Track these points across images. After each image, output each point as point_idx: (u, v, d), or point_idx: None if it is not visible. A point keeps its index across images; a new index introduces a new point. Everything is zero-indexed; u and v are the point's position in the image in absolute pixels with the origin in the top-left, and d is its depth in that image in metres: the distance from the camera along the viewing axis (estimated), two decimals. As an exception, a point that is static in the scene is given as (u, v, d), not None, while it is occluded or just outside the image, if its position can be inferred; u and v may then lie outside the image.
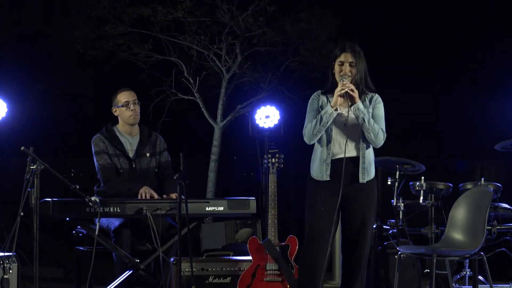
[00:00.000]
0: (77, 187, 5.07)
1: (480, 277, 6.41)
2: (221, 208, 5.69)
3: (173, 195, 5.61)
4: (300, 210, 5.06)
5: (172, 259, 5.51)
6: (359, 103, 4.85)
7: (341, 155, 4.88)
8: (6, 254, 4.92)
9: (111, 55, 9.91)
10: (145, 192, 5.61)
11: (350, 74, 4.89)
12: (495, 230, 6.53)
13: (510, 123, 8.66)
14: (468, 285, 6.69)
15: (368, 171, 4.95)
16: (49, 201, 5.32)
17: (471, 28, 10.69)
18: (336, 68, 4.94)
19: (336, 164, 4.89)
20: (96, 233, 5.23)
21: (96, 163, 5.79)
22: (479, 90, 10.67)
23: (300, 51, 9.92)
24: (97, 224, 5.30)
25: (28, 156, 4.90)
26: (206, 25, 9.78)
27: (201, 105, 9.96)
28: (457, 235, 5.51)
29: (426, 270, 6.45)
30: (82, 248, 5.79)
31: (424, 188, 6.51)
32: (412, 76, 10.98)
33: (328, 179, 4.89)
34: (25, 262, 5.13)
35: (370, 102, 4.97)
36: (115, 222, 5.60)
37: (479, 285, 6.19)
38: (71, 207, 5.39)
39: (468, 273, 6.72)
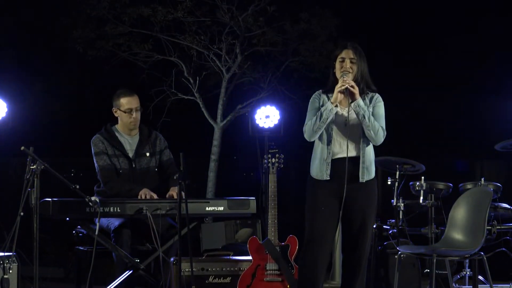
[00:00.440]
0: (77, 187, 5.07)
1: (480, 277, 6.41)
2: (221, 208, 5.69)
3: (174, 193, 5.61)
4: (300, 210, 5.06)
5: (172, 259, 5.51)
6: (359, 100, 4.85)
7: (341, 155, 4.88)
8: (6, 254, 4.92)
9: (111, 55, 9.91)
10: (145, 193, 5.61)
11: (351, 70, 4.89)
12: (495, 230, 6.53)
13: (510, 123, 8.66)
14: (468, 285, 6.69)
15: (369, 171, 4.94)
16: (49, 201, 5.32)
17: (471, 28, 10.69)
18: (337, 65, 4.93)
19: (336, 164, 4.89)
20: (96, 233, 5.23)
21: (95, 164, 5.79)
22: (479, 90, 10.67)
23: (300, 51, 9.92)
24: (97, 224, 5.29)
25: (28, 156, 4.90)
26: (206, 25, 9.78)
27: (201, 105, 9.96)
28: (457, 235, 5.51)
29: (426, 270, 6.45)
30: (82, 248, 5.79)
31: (424, 188, 6.51)
32: (412, 76, 10.99)
33: (328, 178, 4.89)
34: (25, 262, 5.13)
35: (370, 101, 4.97)
36: (115, 222, 5.60)
37: (479, 285, 6.19)
38: (71, 207, 5.38)
39: (468, 273, 6.72)
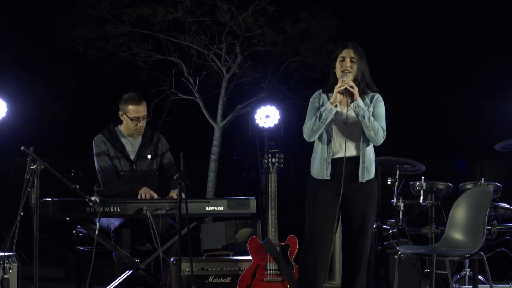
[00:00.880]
0: (77, 187, 5.07)
1: (480, 277, 6.40)
2: (221, 208, 5.68)
3: (174, 194, 5.61)
4: (300, 210, 5.05)
5: (172, 259, 5.51)
6: (359, 100, 4.85)
7: (341, 154, 4.88)
8: (6, 254, 4.92)
9: (111, 55, 9.91)
10: (145, 192, 5.61)
11: (350, 70, 4.88)
12: (495, 230, 6.52)
13: (510, 123, 8.66)
14: (468, 285, 6.69)
15: (368, 171, 4.94)
16: (49, 201, 5.32)
17: (471, 28, 10.70)
18: (337, 64, 4.93)
19: (337, 163, 4.89)
20: (96, 233, 5.23)
21: (96, 165, 5.78)
22: (479, 90, 10.67)
23: (300, 51, 9.93)
24: (97, 224, 5.29)
25: (28, 156, 4.90)
26: (206, 25, 9.78)
27: (201, 105, 9.97)
28: (457, 235, 5.51)
29: (426, 270, 6.45)
30: (82, 248, 5.79)
31: (424, 188, 6.51)
32: (412, 76, 10.99)
33: (329, 178, 4.88)
34: (25, 262, 5.13)
35: (370, 101, 4.97)
36: (115, 222, 5.60)
37: (479, 285, 6.18)
38: (71, 207, 5.38)
39: (468, 273, 6.72)
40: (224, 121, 10.00)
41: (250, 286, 5.61)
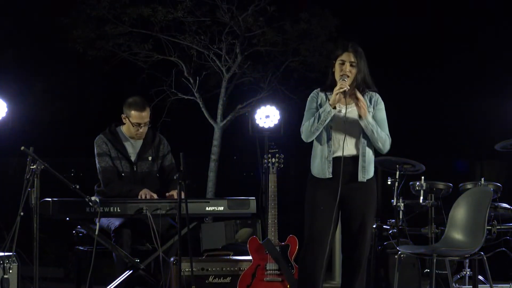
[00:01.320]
0: (77, 187, 5.07)
1: (480, 277, 6.40)
2: (221, 208, 5.68)
3: (174, 193, 5.61)
4: (300, 210, 5.05)
5: (172, 259, 5.51)
6: (369, 117, 4.86)
7: (341, 153, 4.87)
8: (6, 254, 4.92)
9: (111, 55, 9.91)
10: (145, 193, 5.60)
11: (350, 74, 4.88)
12: (495, 230, 6.52)
13: (510, 123, 8.66)
14: (468, 285, 6.69)
15: (368, 170, 4.94)
16: (49, 201, 5.32)
17: (471, 28, 10.70)
18: (337, 67, 4.92)
19: (337, 162, 4.88)
20: (96, 233, 5.23)
21: (97, 165, 5.78)
22: (479, 90, 10.67)
23: (300, 51, 9.93)
24: (97, 224, 5.29)
25: (28, 156, 4.90)
26: (206, 25, 9.79)
27: (201, 105, 9.97)
28: (457, 235, 5.51)
29: (426, 270, 6.44)
30: (82, 248, 5.78)
31: (424, 188, 6.50)
32: (412, 76, 10.99)
33: (331, 176, 4.88)
34: (25, 262, 5.13)
35: (370, 101, 4.97)
36: (115, 222, 5.60)
37: (479, 285, 6.18)
38: (71, 207, 5.38)
39: (468, 273, 6.72)
40: (224, 121, 10.00)
41: (250, 286, 5.61)
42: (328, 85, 4.96)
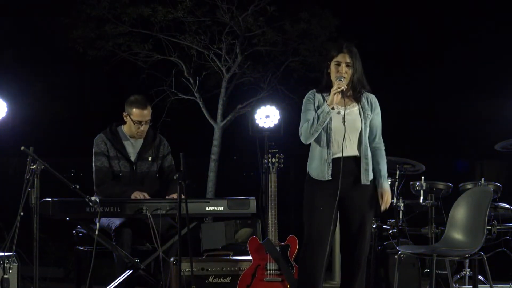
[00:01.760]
0: (77, 187, 5.06)
1: (480, 277, 6.40)
2: (221, 208, 5.68)
3: (174, 196, 5.61)
4: (300, 210, 5.05)
5: (172, 259, 5.51)
6: (385, 183, 4.96)
7: (340, 154, 4.87)
8: (6, 254, 4.92)
9: (111, 55, 9.92)
10: (136, 197, 5.59)
11: (345, 75, 4.88)
12: (495, 230, 6.52)
13: (510, 123, 8.66)
14: (468, 285, 6.69)
15: (370, 172, 4.95)
16: (49, 201, 5.31)
17: (471, 28, 10.70)
18: (333, 68, 4.92)
19: (337, 163, 4.88)
20: (96, 233, 5.23)
21: (93, 164, 5.78)
22: (479, 90, 10.68)
23: (300, 51, 9.93)
24: (97, 224, 5.29)
25: (28, 156, 4.90)
26: (206, 25, 9.79)
27: (201, 105, 9.97)
28: (457, 235, 5.50)
29: (426, 270, 6.44)
30: (82, 248, 5.78)
31: (424, 188, 6.50)
32: (412, 76, 10.99)
33: (330, 178, 4.88)
34: (25, 262, 5.13)
35: (369, 103, 4.97)
36: (115, 222, 5.60)
37: (479, 285, 6.18)
38: (71, 207, 5.38)
39: (468, 273, 6.71)
40: (224, 121, 10.00)
41: (250, 286, 5.61)
42: (324, 86, 4.96)
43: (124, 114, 5.81)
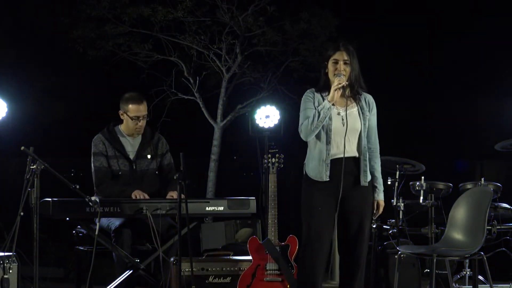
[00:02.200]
0: (77, 187, 5.06)
1: (480, 277, 6.40)
2: (221, 208, 5.68)
3: (173, 194, 5.61)
4: (300, 210, 5.05)
5: (172, 259, 5.51)
6: (381, 195, 5.00)
7: (340, 155, 4.88)
8: (6, 254, 4.92)
9: (111, 55, 9.92)
10: (135, 195, 5.59)
11: (344, 73, 4.88)
12: (495, 230, 6.52)
13: (510, 123, 8.67)
14: (468, 285, 6.69)
15: (368, 173, 4.95)
16: (49, 201, 5.32)
17: (471, 28, 10.70)
18: (330, 67, 4.93)
19: (335, 164, 4.88)
20: (96, 233, 5.23)
21: (92, 164, 5.78)
22: (479, 90, 10.68)
23: (300, 51, 9.93)
24: (97, 224, 5.29)
25: (28, 156, 4.90)
26: (206, 25, 9.79)
27: (201, 105, 9.97)
28: (457, 235, 5.51)
29: (426, 270, 6.44)
30: (82, 248, 5.78)
31: (424, 188, 6.50)
32: (412, 76, 10.99)
33: (328, 179, 4.88)
34: (25, 262, 5.13)
35: (367, 104, 4.98)
36: (115, 222, 5.60)
37: (479, 285, 6.17)
38: (71, 207, 5.38)
39: (468, 273, 6.72)
40: (224, 121, 10.00)
41: (250, 286, 5.61)
42: (322, 86, 4.96)
43: (121, 112, 5.82)
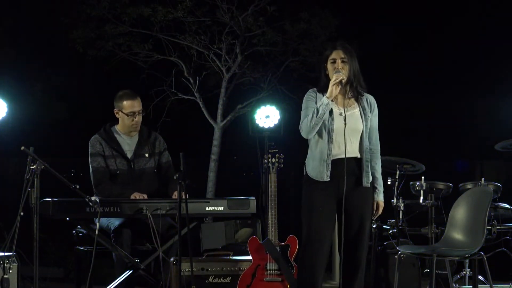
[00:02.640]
0: (77, 187, 5.06)
1: (480, 277, 6.40)
2: (221, 208, 5.68)
3: (174, 192, 5.61)
4: (300, 210, 5.05)
5: (172, 259, 5.51)
6: (380, 196, 5.00)
7: (341, 155, 4.88)
8: (6, 254, 4.92)
9: (111, 55, 9.91)
10: (136, 197, 5.59)
11: (343, 70, 4.89)
12: (495, 230, 6.52)
13: (510, 123, 8.67)
14: (468, 285, 6.69)
15: (369, 174, 4.96)
16: (49, 201, 5.31)
17: (471, 28, 10.70)
18: (329, 66, 4.94)
19: (336, 164, 4.89)
20: (96, 233, 5.23)
21: (90, 165, 5.79)
22: (479, 90, 10.68)
23: (300, 51, 9.93)
24: (97, 224, 5.29)
25: (28, 156, 4.90)
26: (206, 25, 9.79)
27: (201, 105, 9.97)
28: (457, 235, 5.51)
29: (426, 270, 6.44)
30: (82, 248, 5.78)
31: (424, 188, 6.50)
32: (412, 76, 10.99)
33: (328, 179, 4.88)
34: (25, 262, 5.12)
35: (369, 105, 4.98)
36: (115, 222, 5.60)
37: (479, 285, 6.17)
38: (71, 207, 5.38)
39: (468, 273, 6.72)
40: (224, 121, 10.00)
41: (250, 286, 5.61)
42: (323, 86, 4.97)
43: (116, 110, 5.83)
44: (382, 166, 6.59)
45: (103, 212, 5.29)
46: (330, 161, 4.89)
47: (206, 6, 9.69)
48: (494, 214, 6.57)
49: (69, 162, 10.37)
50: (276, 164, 5.77)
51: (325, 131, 4.90)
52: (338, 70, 4.86)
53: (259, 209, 6.39)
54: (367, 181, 4.92)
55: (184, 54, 9.90)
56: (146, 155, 5.86)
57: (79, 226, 5.83)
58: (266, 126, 8.77)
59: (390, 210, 6.67)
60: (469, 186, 6.65)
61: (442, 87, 11.04)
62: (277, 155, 5.79)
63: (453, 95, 10.90)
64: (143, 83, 9.92)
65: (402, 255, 5.70)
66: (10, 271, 4.87)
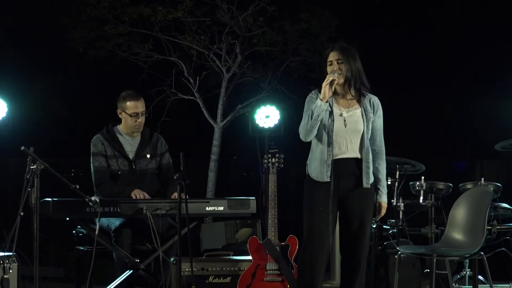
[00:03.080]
0: (77, 187, 5.06)
1: (480, 277, 6.40)
2: (221, 208, 5.68)
3: (174, 193, 5.61)
4: (300, 210, 5.05)
5: (172, 259, 5.51)
6: (384, 198, 4.99)
7: (342, 156, 4.88)
8: (6, 254, 4.92)
9: (111, 55, 9.91)
10: (135, 194, 5.60)
11: (340, 71, 4.89)
12: (495, 230, 6.52)
13: (510, 123, 8.67)
14: (468, 285, 6.69)
15: (370, 175, 4.95)
16: (49, 201, 5.31)
17: (471, 29, 10.70)
18: (328, 69, 4.95)
19: (337, 165, 4.89)
20: (96, 233, 5.23)
21: (91, 165, 5.79)
22: (479, 90, 10.68)
23: (300, 51, 9.92)
24: (97, 224, 5.29)
25: (28, 156, 4.90)
26: (206, 25, 9.79)
27: (201, 105, 9.97)
28: (457, 235, 5.51)
29: (426, 270, 6.44)
30: (82, 248, 5.79)
31: (424, 188, 6.50)
32: (412, 76, 10.99)
33: (329, 180, 4.88)
34: (25, 262, 5.12)
35: (372, 106, 4.98)
36: (115, 222, 5.60)
37: (479, 285, 6.18)
38: (71, 207, 5.38)
39: (468, 273, 6.72)
40: (224, 121, 10.00)
41: (250, 286, 5.61)
42: None
43: (119, 111, 5.83)
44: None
45: (103, 212, 5.30)
46: (330, 162, 4.89)
47: (206, 6, 9.69)
48: (494, 214, 6.57)
49: (69, 162, 10.38)
50: (276, 164, 5.77)
51: (325, 131, 4.90)
52: (333, 72, 4.87)
53: (259, 209, 6.39)
54: (367, 182, 4.92)
55: (184, 54, 9.90)
56: (148, 156, 5.86)
57: (79, 226, 5.83)
58: (266, 126, 8.76)
59: (390, 210, 6.66)
60: (469, 186, 6.65)
61: (442, 87, 11.04)
62: (277, 155, 5.79)
63: (453, 95, 10.90)
64: (143, 83, 9.92)
65: (402, 255, 5.70)
66: (10, 271, 4.87)
